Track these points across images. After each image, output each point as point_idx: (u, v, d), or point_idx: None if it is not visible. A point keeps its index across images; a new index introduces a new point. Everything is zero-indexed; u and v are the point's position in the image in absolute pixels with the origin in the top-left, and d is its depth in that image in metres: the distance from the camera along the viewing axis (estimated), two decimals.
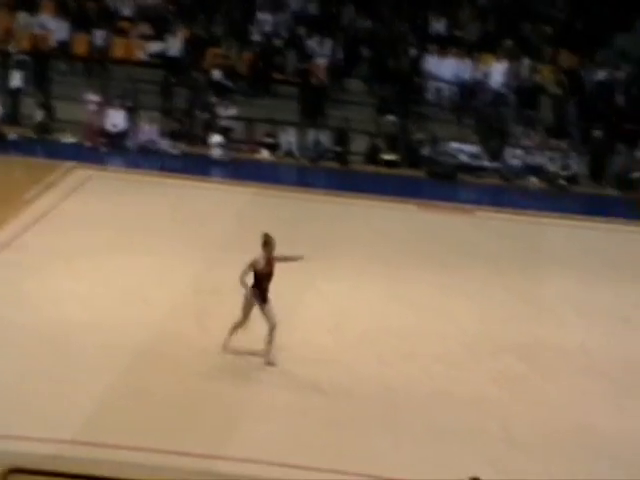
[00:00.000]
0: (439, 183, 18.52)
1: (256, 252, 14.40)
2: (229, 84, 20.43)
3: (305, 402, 10.78)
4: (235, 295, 13.09)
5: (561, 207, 17.45)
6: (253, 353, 11.43)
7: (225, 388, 10.90)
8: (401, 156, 19.20)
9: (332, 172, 18.95)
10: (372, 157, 19.18)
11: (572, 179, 18.46)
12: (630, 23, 21.13)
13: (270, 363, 11.38)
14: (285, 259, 11.54)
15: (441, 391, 11.11)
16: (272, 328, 11.39)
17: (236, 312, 13.06)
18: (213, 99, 19.88)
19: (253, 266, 11.35)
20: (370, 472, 9.52)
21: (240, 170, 18.54)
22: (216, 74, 20.51)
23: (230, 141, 19.14)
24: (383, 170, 18.98)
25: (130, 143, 19.28)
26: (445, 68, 20.64)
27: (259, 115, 19.69)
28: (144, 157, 18.92)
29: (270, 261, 11.39)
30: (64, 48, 21.30)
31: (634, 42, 20.81)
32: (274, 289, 13.46)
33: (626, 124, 18.73)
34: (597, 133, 18.55)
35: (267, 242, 11.41)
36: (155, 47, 21.29)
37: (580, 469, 9.73)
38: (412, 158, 19.13)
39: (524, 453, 10.02)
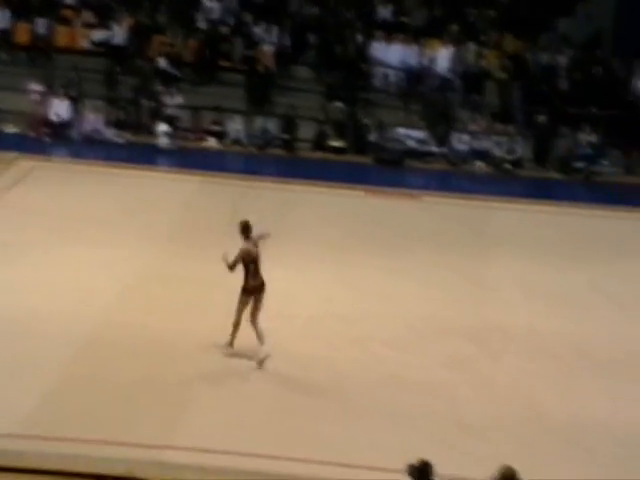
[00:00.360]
0: (386, 169, 18.57)
1: (207, 240, 14.43)
2: (175, 72, 20.26)
3: (252, 389, 10.76)
4: (183, 284, 13.07)
5: (507, 191, 17.61)
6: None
7: (172, 377, 10.83)
8: (348, 142, 19.22)
9: (280, 159, 18.92)
10: (320, 144, 19.17)
11: (517, 163, 18.63)
12: (572, 8, 21.37)
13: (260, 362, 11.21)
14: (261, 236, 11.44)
15: (390, 375, 11.16)
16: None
17: (183, 300, 12.99)
18: (159, 87, 19.70)
19: (245, 256, 11.17)
20: (320, 458, 9.52)
21: (187, 159, 18.41)
22: (162, 62, 20.32)
23: (177, 130, 18.99)
24: (331, 157, 18.98)
25: (74, 133, 19.03)
26: (392, 54, 20.69)
27: (206, 103, 19.56)
28: (89, 147, 18.69)
29: (256, 244, 11.30)
30: (5, 37, 20.94)
31: (576, 27, 21.05)
32: (221, 277, 13.44)
33: (569, 108, 18.93)
34: (541, 117, 18.73)
35: (248, 227, 11.32)
36: (99, 35, 21.04)
37: (529, 450, 9.83)
38: (359, 144, 19.15)
39: (474, 435, 10.11)
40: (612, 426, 10.29)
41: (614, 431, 10.22)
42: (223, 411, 10.28)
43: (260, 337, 11.25)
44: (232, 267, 11.20)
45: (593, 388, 11.01)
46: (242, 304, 11.31)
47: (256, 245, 11.35)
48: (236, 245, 13.76)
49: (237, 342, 11.59)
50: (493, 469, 7.07)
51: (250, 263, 11.24)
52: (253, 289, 11.26)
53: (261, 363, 11.13)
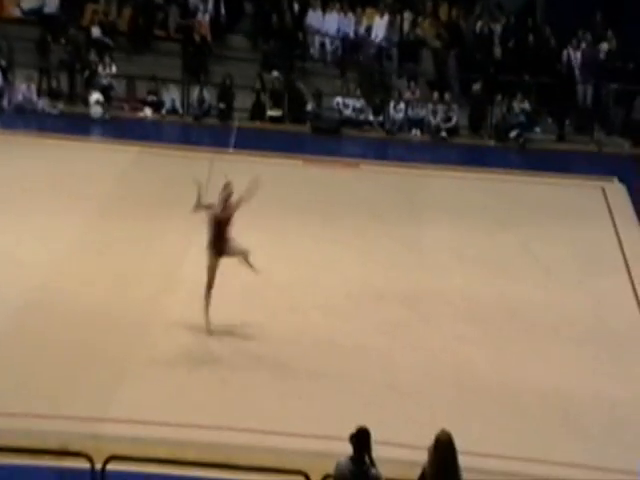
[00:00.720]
0: (324, 138, 18.58)
1: (140, 211, 14.33)
2: (108, 41, 19.97)
3: (188, 359, 10.77)
4: (118, 255, 12.99)
5: (442, 158, 17.76)
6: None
7: (107, 348, 10.80)
8: (286, 112, 19.18)
9: (216, 129, 18.80)
10: (257, 113, 19.10)
11: (453, 131, 18.78)
12: None
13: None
14: (243, 198, 11.23)
15: (325, 341, 11.26)
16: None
17: (117, 270, 12.86)
18: (92, 57, 19.40)
19: (208, 208, 11.02)
20: (257, 426, 9.59)
21: (122, 129, 18.20)
22: (95, 31, 20.01)
23: (111, 100, 18.76)
24: (268, 126, 18.92)
25: (5, 103, 18.67)
26: (328, 23, 20.66)
27: (141, 73, 19.33)
28: (20, 117, 18.36)
29: (228, 206, 11.13)
30: None
31: None
32: (157, 251, 13.40)
33: (503, 76, 19.11)
34: (476, 85, 18.89)
35: (226, 185, 11.18)
36: (30, 4, 20.62)
37: (462, 412, 10.02)
38: (297, 113, 19.12)
39: (409, 398, 10.26)
40: (544, 387, 10.51)
41: (546, 392, 10.45)
42: (159, 382, 10.28)
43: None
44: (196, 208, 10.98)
45: (524, 350, 11.24)
46: (211, 269, 11.14)
47: (228, 208, 11.13)
48: (174, 215, 13.77)
49: (174, 315, 11.59)
50: (429, 433, 7.18)
51: (218, 221, 11.07)
52: (217, 252, 11.08)
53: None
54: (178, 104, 19.11)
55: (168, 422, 9.53)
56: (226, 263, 12.93)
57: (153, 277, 12.48)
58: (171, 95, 19.13)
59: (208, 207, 11.10)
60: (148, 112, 19.01)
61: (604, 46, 18.94)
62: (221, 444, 9.29)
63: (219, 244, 11.12)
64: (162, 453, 8.74)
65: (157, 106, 19.05)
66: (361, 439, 7.17)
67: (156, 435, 9.30)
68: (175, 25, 20.79)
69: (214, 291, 11.33)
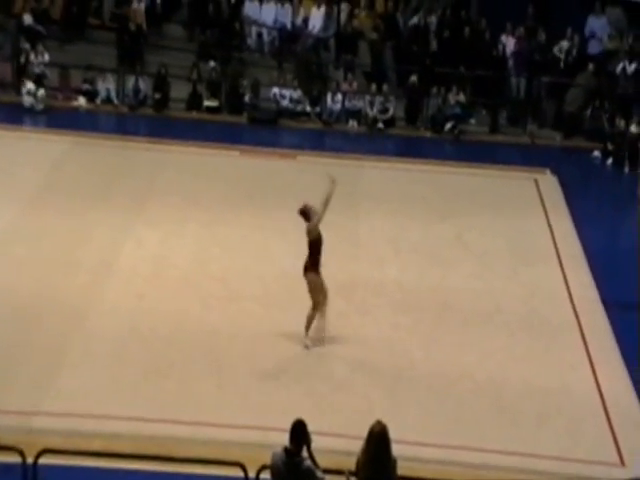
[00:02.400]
0: (261, 128, 18.55)
1: (73, 201, 14.15)
2: (41, 29, 19.63)
3: (124, 351, 10.70)
4: (52, 245, 12.81)
5: (379, 149, 17.88)
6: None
7: (41, 340, 10.67)
8: (222, 102, 19.09)
9: (152, 119, 18.64)
10: (193, 103, 18.98)
11: (389, 122, 18.90)
12: None
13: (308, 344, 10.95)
14: (326, 202, 10.99)
15: (263, 332, 11.26)
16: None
17: (48, 261, 12.65)
18: (25, 45, 19.05)
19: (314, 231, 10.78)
20: (193, 418, 9.57)
21: (56, 119, 17.94)
22: (27, 19, 19.65)
23: (44, 89, 18.44)
24: (204, 116, 18.82)
25: None
26: (265, 13, 20.61)
27: (75, 62, 19.06)
28: None
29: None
30: None
31: None
32: (93, 241, 13.23)
33: (439, 68, 19.29)
34: (412, 77, 19.03)
35: (307, 214, 11.00)
36: None
37: (398, 401, 10.13)
38: (234, 104, 19.05)
39: (345, 388, 10.32)
40: (478, 376, 10.66)
41: (480, 381, 10.59)
42: (94, 374, 10.19)
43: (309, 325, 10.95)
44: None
45: (459, 340, 11.38)
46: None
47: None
48: (109, 206, 13.58)
49: (111, 307, 11.47)
50: (365, 422, 7.25)
51: (317, 243, 10.87)
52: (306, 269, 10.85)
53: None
54: (113, 94, 18.89)
55: (104, 414, 9.45)
56: (163, 256, 12.90)
57: (87, 268, 12.35)
58: (106, 84, 18.90)
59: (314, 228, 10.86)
60: (82, 101, 18.76)
61: (563, 44, 19.18)
62: (158, 436, 9.24)
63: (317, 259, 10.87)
64: (97, 446, 8.68)
65: (92, 95, 18.80)
66: (296, 431, 7.20)
67: (91, 428, 9.22)
68: (110, 14, 20.54)
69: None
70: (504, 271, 13.10)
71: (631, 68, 18.65)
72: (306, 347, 10.95)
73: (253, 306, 11.83)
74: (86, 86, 18.82)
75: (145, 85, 18.92)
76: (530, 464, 9.29)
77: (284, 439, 7.21)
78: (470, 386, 10.50)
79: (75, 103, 18.71)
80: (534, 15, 19.73)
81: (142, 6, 20.32)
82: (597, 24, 19.50)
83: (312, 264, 10.89)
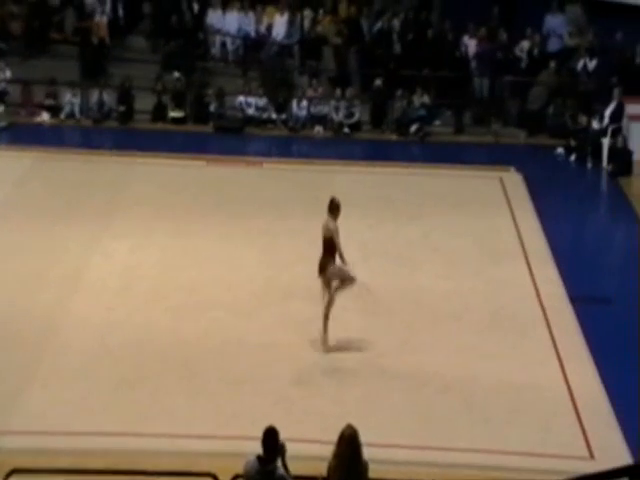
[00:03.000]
0: (227, 137, 18.57)
1: (38, 217, 14.09)
2: (2, 45, 19.54)
3: (94, 365, 10.67)
4: (15, 260, 12.74)
5: (346, 154, 17.93)
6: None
7: (9, 357, 10.62)
8: (188, 112, 19.09)
9: (117, 132, 18.59)
10: (158, 115, 18.96)
11: (356, 126, 18.96)
12: None
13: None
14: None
15: (233, 341, 11.28)
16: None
17: (18, 278, 12.62)
18: None
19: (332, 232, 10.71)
20: (164, 430, 9.56)
21: (19, 135, 17.84)
22: None
23: (6, 105, 18.34)
24: (170, 127, 18.80)
25: None
26: (229, 22, 20.62)
27: (37, 77, 18.97)
28: None
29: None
30: None
31: None
32: (60, 256, 13.17)
33: (403, 70, 19.38)
34: (377, 81, 19.11)
35: (337, 207, 10.89)
36: None
37: (369, 404, 10.18)
38: (199, 114, 19.06)
39: (317, 394, 10.36)
40: (448, 376, 10.72)
41: (450, 380, 10.66)
42: (65, 390, 10.16)
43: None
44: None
45: (429, 340, 11.44)
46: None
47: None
48: (75, 221, 13.50)
49: (79, 321, 11.43)
50: (338, 427, 7.27)
51: (333, 240, 10.80)
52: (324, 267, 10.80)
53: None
54: (77, 108, 18.82)
55: (73, 431, 9.42)
56: (132, 267, 12.88)
57: (55, 283, 12.32)
58: (70, 99, 18.84)
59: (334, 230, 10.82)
60: (46, 117, 18.68)
61: (525, 44, 19.34)
62: (128, 450, 9.23)
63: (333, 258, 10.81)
64: (67, 463, 8.63)
65: (55, 110, 18.73)
66: (268, 439, 7.21)
67: (61, 445, 9.19)
68: (72, 27, 20.47)
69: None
70: (472, 270, 13.19)
71: (592, 65, 18.83)
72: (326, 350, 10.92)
73: (223, 315, 11.85)
74: (49, 101, 18.75)
75: (109, 98, 18.87)
76: (501, 461, 9.37)
77: (256, 448, 7.23)
78: (440, 385, 10.56)
79: (39, 119, 18.62)
80: (498, 15, 19.88)
81: (104, 19, 20.27)
82: (555, 22, 19.69)
83: (328, 263, 10.84)
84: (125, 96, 18.85)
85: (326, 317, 11.09)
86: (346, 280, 10.99)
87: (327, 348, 11.04)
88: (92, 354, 10.87)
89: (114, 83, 19.19)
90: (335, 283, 11.02)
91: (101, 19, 20.23)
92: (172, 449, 9.30)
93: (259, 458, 7.18)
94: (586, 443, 9.67)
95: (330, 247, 10.93)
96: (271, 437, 7.18)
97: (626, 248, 15.12)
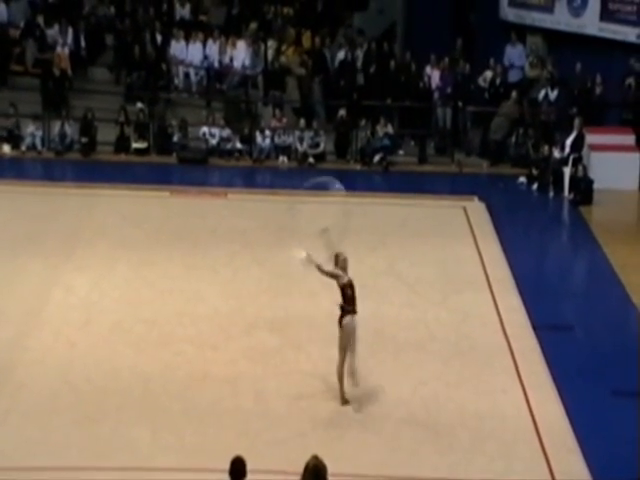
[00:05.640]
0: (191, 168, 18.54)
1: (2, 252, 13.93)
2: None
3: (55, 401, 10.54)
4: None
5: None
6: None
7: None
8: (151, 143, 19.06)
9: (79, 164, 18.50)
10: (121, 146, 18.90)
11: (320, 156, 19.04)
12: (365, 3, 22.05)
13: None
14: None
15: (196, 374, 11.20)
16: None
17: None
18: None
19: (337, 277, 10.58)
20: (127, 464, 9.45)
21: None
22: None
23: None
24: (133, 158, 18.75)
25: None
26: (192, 53, 20.66)
27: None
28: None
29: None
30: None
31: (370, 21, 21.73)
32: (19, 290, 13.03)
33: (366, 101, 19.51)
34: (341, 111, 19.22)
35: (342, 262, 10.68)
36: None
37: (334, 435, 10.11)
38: (162, 145, 19.03)
39: (280, 425, 10.29)
40: (412, 405, 10.71)
41: (414, 409, 10.64)
42: (24, 426, 10.01)
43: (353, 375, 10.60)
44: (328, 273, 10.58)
45: (393, 369, 11.42)
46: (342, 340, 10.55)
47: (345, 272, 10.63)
48: (36, 254, 13.37)
49: (40, 359, 11.29)
50: (302, 458, 7.22)
51: (349, 289, 10.60)
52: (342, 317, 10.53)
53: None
54: (38, 140, 18.71)
55: (32, 466, 9.26)
56: (93, 301, 12.75)
57: (15, 317, 12.17)
58: (31, 130, 18.72)
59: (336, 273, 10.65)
60: (6, 149, 18.55)
61: (487, 74, 19.55)
62: None
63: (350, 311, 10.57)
64: None
65: (16, 142, 18.60)
66: (237, 468, 7.18)
67: None
68: (33, 59, 20.40)
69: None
70: (436, 299, 13.22)
71: (553, 94, 19.09)
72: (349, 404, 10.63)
73: (186, 348, 11.75)
74: (10, 133, 18.61)
75: (72, 130, 18.79)
76: None
77: (222, 479, 7.16)
78: (405, 415, 10.54)
79: None
80: (461, 47, 20.09)
81: (66, 50, 20.21)
82: (514, 53, 19.95)
83: (345, 311, 10.61)
84: (87, 128, 18.79)
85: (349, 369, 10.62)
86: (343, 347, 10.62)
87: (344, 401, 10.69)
88: (53, 389, 10.73)
89: (76, 115, 19.13)
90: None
91: (63, 51, 20.18)
92: None
93: None
94: (549, 470, 9.69)
95: (345, 297, 10.67)
96: (241, 465, 7.16)
97: (587, 275, 15.29)
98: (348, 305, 10.61)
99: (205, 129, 19.12)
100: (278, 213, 16.27)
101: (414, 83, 19.83)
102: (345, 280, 10.69)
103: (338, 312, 10.69)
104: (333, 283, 13.43)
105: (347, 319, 10.58)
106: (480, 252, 14.83)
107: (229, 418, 10.38)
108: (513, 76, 19.81)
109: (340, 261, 10.78)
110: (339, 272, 10.70)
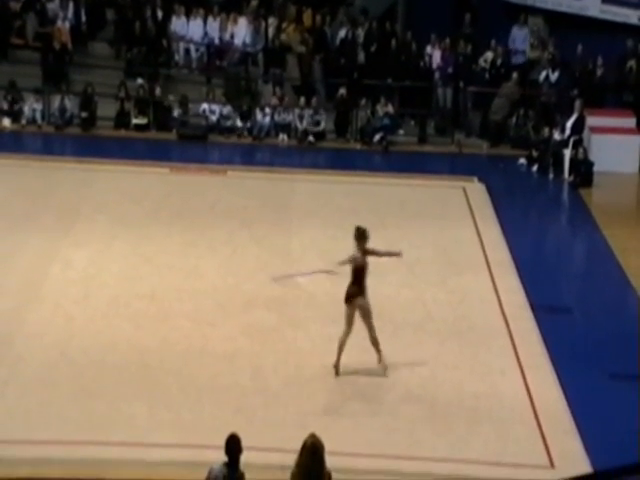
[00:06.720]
0: (190, 145, 18.47)
1: (2, 226, 13.91)
2: None
3: (53, 374, 10.55)
4: None
5: (310, 162, 17.96)
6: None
7: None
8: (151, 119, 18.98)
9: (79, 138, 18.42)
10: (121, 122, 18.83)
11: (320, 135, 18.97)
12: None
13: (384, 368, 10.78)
14: (383, 254, 10.88)
15: (193, 349, 11.21)
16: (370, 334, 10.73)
17: None
18: None
19: (352, 261, 10.65)
20: (125, 439, 9.47)
21: None
22: None
23: None
24: (133, 134, 18.67)
25: None
26: (193, 30, 20.54)
27: None
28: None
29: (366, 253, 10.73)
30: None
31: (371, 0, 21.60)
32: (19, 264, 13.02)
33: (367, 80, 19.44)
34: (341, 90, 19.15)
35: (363, 235, 10.79)
36: None
37: (332, 413, 10.17)
38: (162, 121, 18.95)
39: (278, 402, 10.31)
40: (410, 384, 10.73)
41: (412, 389, 10.67)
42: (22, 399, 10.03)
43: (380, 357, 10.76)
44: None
45: (391, 348, 11.38)
46: (348, 317, 10.70)
47: (366, 256, 10.72)
48: (36, 228, 13.36)
49: (39, 332, 11.29)
50: (299, 436, 7.25)
51: (359, 270, 10.66)
52: (353, 294, 10.67)
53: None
54: (39, 114, 18.63)
55: (31, 440, 9.29)
56: (92, 275, 12.74)
57: (14, 290, 12.17)
58: (31, 104, 18.63)
59: (351, 259, 10.73)
60: (7, 122, 18.46)
61: (488, 55, 19.45)
62: (87, 459, 9.14)
63: (357, 289, 10.68)
64: (24, 472, 8.52)
65: (16, 116, 18.52)
66: (232, 445, 7.21)
67: (18, 454, 9.06)
68: (33, 33, 20.27)
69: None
70: (434, 280, 13.22)
71: (554, 76, 19.01)
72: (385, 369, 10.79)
73: (184, 323, 11.76)
74: (10, 106, 18.53)
75: (72, 104, 18.70)
76: (462, 470, 9.38)
77: (218, 456, 7.19)
78: (402, 395, 10.57)
79: None
80: (469, 22, 19.94)
81: (67, 25, 20.09)
82: (520, 35, 19.84)
83: (357, 291, 10.71)
84: (87, 102, 18.70)
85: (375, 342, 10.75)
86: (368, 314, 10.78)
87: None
88: (51, 363, 10.74)
89: (76, 89, 19.03)
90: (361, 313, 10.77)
91: (63, 25, 20.05)
92: (132, 458, 9.21)
93: (227, 465, 7.18)
94: (546, 451, 9.72)
95: (358, 277, 10.75)
96: (236, 443, 7.22)
97: (586, 258, 15.29)
98: (359, 285, 10.65)
99: (205, 106, 19.04)
100: (277, 191, 16.30)
101: (415, 63, 19.74)
102: (358, 262, 10.69)
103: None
104: (332, 262, 13.48)
105: (360, 300, 10.66)
106: (479, 233, 14.81)
107: (226, 394, 10.40)
108: (517, 58, 19.69)
109: (359, 235, 10.83)
110: (352, 257, 10.74)
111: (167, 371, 10.78)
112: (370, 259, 10.91)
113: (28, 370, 10.57)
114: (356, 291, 10.74)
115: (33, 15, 20.37)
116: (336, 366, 10.80)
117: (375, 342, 10.82)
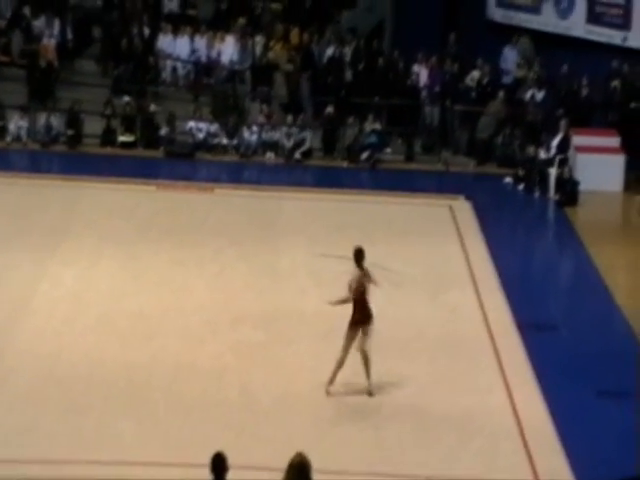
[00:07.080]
0: (177, 162, 18.51)
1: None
2: None
3: (40, 392, 10.52)
4: None
5: (297, 180, 18.00)
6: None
7: None
8: (138, 137, 19.00)
9: (65, 156, 18.42)
10: (108, 139, 18.84)
11: (307, 153, 19.04)
12: (353, 0, 22.08)
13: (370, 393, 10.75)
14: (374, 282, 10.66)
15: (182, 367, 11.20)
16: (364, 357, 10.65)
17: None
18: None
19: (353, 289, 10.53)
20: (113, 458, 9.43)
21: None
22: None
23: None
24: (120, 152, 18.68)
25: None
26: (180, 47, 20.62)
27: None
28: None
29: (366, 274, 10.61)
30: None
31: (358, 18, 21.76)
32: (6, 282, 12.97)
33: (354, 98, 19.54)
34: (329, 108, 19.24)
35: (363, 255, 10.66)
36: None
37: (318, 431, 10.13)
38: (149, 138, 18.98)
39: (266, 420, 10.29)
40: (399, 401, 10.74)
41: (401, 406, 10.67)
42: (9, 418, 9.98)
43: (368, 371, 10.70)
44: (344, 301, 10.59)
45: (379, 366, 11.34)
46: (349, 339, 10.61)
47: (367, 275, 10.63)
48: (22, 246, 13.31)
49: (26, 350, 11.25)
50: (287, 453, 7.22)
51: (361, 293, 10.58)
52: (360, 321, 10.60)
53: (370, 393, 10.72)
54: (24, 131, 18.61)
55: (18, 459, 9.23)
56: (79, 293, 12.72)
57: (2, 309, 12.11)
58: (17, 122, 18.61)
59: (352, 288, 10.62)
60: None
61: (475, 73, 19.58)
62: (76, 478, 9.07)
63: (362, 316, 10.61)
64: None
65: (1, 133, 18.50)
66: (217, 464, 7.18)
67: (4, 474, 8.99)
68: (19, 50, 20.29)
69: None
70: (422, 297, 13.26)
71: (539, 95, 19.18)
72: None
73: (172, 341, 11.76)
74: None
75: (58, 122, 18.71)
76: None
77: (206, 475, 7.16)
78: (391, 411, 10.59)
79: None
80: (454, 41, 20.09)
81: (53, 42, 20.12)
82: (511, 55, 19.98)
83: (362, 318, 10.67)
84: (74, 120, 18.71)
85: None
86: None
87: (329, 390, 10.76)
88: (39, 380, 10.71)
89: (62, 107, 19.04)
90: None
91: (49, 42, 20.09)
92: (121, 476, 9.15)
93: None
94: (532, 468, 9.74)
95: (361, 299, 10.68)
96: (221, 462, 7.15)
97: (572, 275, 15.38)
98: (363, 309, 10.61)
99: (192, 123, 19.08)
100: (264, 209, 16.34)
101: (402, 81, 19.87)
102: (354, 286, 10.65)
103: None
104: (321, 280, 13.55)
105: (366, 328, 10.59)
106: (466, 251, 14.89)
107: (214, 412, 10.39)
108: (508, 78, 19.80)
109: (360, 255, 10.76)
110: (353, 282, 10.63)
111: (155, 388, 10.77)
112: None
113: (16, 387, 10.53)
114: (362, 318, 10.62)
115: (19, 32, 20.42)
116: (330, 383, 10.76)
117: (366, 361, 10.77)
